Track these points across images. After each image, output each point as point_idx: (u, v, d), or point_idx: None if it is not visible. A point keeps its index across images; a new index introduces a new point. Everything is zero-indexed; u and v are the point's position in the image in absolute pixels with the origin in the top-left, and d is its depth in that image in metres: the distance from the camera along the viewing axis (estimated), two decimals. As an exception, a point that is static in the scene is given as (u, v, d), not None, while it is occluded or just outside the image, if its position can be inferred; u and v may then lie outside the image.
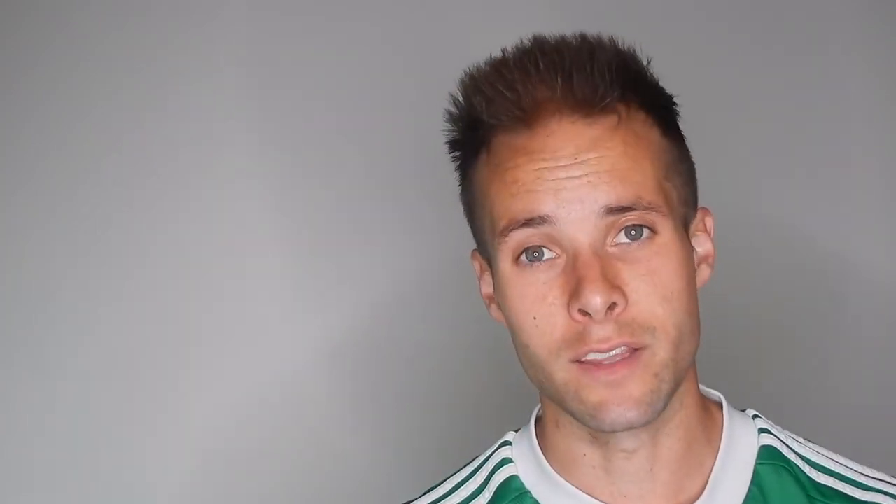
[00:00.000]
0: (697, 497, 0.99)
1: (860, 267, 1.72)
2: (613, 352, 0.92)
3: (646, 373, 0.92)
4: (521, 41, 0.96)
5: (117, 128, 1.70)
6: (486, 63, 0.96)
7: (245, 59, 1.71)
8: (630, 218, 0.92)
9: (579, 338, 0.92)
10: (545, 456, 1.02)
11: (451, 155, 1.00)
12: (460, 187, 1.01)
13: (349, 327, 1.70)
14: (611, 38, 0.95)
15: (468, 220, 1.01)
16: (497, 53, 0.96)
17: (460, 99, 0.97)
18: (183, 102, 1.70)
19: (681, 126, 1.00)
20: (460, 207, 1.03)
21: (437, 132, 1.02)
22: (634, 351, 0.92)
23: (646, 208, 0.92)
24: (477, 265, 1.03)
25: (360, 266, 1.71)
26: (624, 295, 0.91)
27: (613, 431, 0.94)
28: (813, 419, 1.49)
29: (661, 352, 0.93)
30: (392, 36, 1.72)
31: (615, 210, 0.92)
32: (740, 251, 1.63)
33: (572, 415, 0.95)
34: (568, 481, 1.00)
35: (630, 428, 0.93)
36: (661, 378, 0.93)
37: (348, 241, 1.71)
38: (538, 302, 0.93)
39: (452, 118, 0.98)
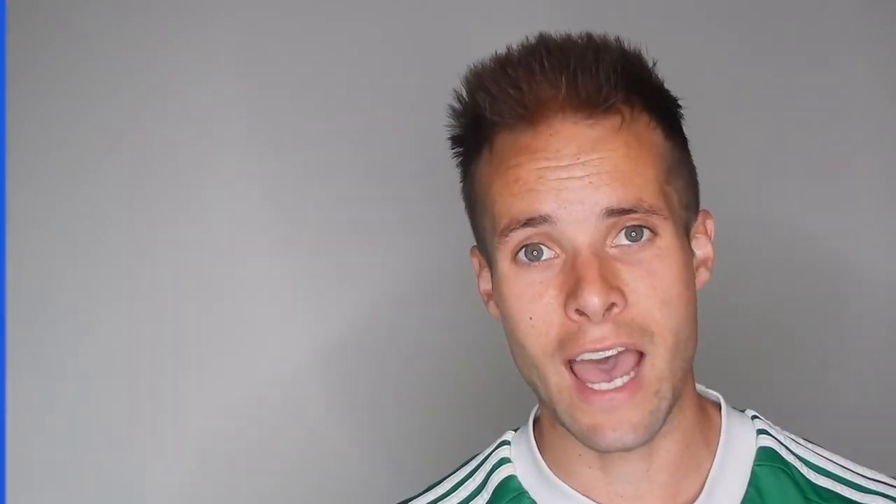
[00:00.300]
0: (695, 499, 0.99)
1: (860, 267, 1.71)
2: (609, 352, 0.92)
3: (646, 394, 0.92)
4: (527, 39, 0.96)
5: (117, 128, 1.70)
6: (490, 60, 0.96)
7: (245, 59, 1.70)
8: (630, 219, 0.92)
9: (573, 338, 0.92)
10: (543, 456, 1.02)
11: (454, 151, 1.00)
12: (461, 183, 1.01)
13: (349, 327, 1.70)
14: (617, 39, 0.95)
15: (469, 217, 1.01)
16: (499, 52, 0.96)
17: (464, 95, 0.97)
18: (183, 102, 1.70)
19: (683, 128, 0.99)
20: (460, 207, 1.03)
21: (436, 132, 1.02)
22: (634, 368, 0.92)
23: (646, 211, 0.92)
24: (476, 262, 1.03)
25: (359, 266, 1.71)
26: (623, 295, 0.91)
27: (608, 452, 0.95)
28: (813, 419, 1.49)
29: (658, 361, 0.92)
30: (392, 36, 1.71)
31: (616, 212, 0.91)
32: (741, 251, 1.63)
33: (565, 428, 0.95)
34: (564, 482, 1.00)
35: (626, 450, 0.93)
36: (661, 395, 0.93)
37: (348, 241, 1.71)
38: (535, 301, 0.93)
39: (455, 114, 0.98)
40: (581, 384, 0.92)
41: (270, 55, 1.71)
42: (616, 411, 0.92)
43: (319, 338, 1.70)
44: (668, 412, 0.94)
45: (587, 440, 0.93)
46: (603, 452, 0.95)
